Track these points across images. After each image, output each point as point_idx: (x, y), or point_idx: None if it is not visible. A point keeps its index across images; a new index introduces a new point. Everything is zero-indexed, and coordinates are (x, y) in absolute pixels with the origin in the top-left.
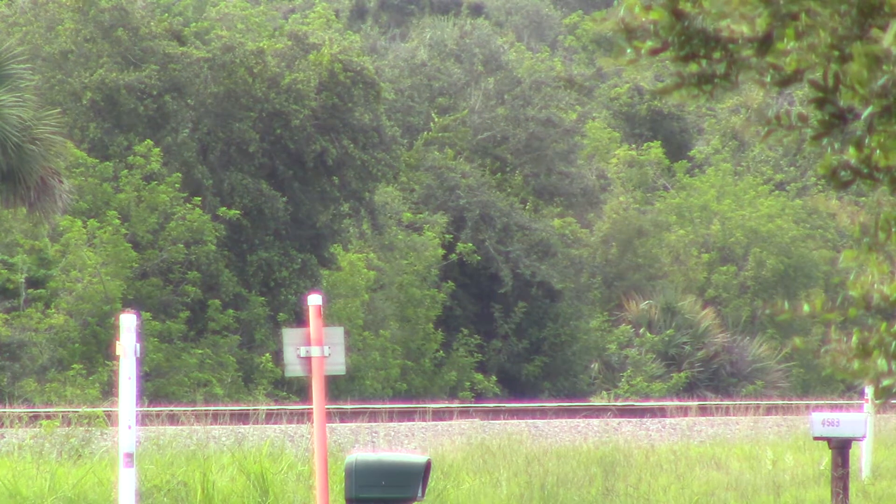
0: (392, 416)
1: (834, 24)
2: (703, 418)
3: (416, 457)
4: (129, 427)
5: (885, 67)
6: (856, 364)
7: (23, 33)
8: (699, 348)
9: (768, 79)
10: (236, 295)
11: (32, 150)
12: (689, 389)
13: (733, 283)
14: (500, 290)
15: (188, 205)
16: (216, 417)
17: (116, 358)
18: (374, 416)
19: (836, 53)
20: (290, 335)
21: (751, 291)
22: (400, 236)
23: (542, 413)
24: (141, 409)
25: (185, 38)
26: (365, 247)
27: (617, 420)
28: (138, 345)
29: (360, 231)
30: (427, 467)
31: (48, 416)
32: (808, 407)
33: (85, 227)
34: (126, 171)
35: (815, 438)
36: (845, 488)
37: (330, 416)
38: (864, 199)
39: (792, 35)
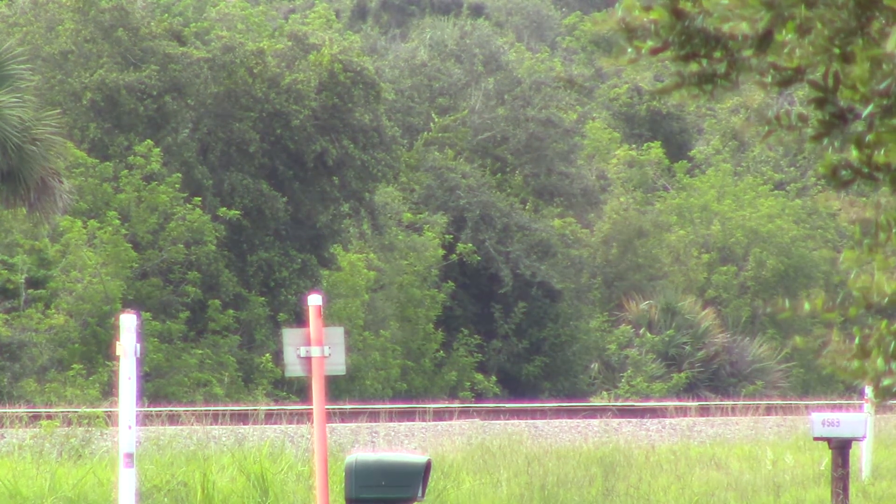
0: (392, 416)
1: (832, 16)
2: (703, 418)
3: (416, 457)
4: (129, 427)
5: (885, 68)
6: (855, 364)
7: (23, 33)
8: (699, 348)
9: (769, 79)
10: (236, 295)
11: (33, 151)
12: (690, 390)
13: (733, 283)
14: (500, 290)
15: (188, 205)
16: (216, 417)
17: (116, 358)
18: (374, 416)
19: (837, 50)
20: (290, 335)
21: (751, 292)
22: (400, 237)
23: (542, 413)
24: (141, 409)
25: (185, 39)
26: (365, 247)
27: (617, 420)
28: (138, 345)
29: (361, 231)
30: (427, 467)
31: (48, 417)
32: (807, 407)
33: (85, 228)
34: (126, 171)
35: (815, 439)
36: (845, 488)
37: (330, 416)
38: (864, 199)
39: (792, 28)
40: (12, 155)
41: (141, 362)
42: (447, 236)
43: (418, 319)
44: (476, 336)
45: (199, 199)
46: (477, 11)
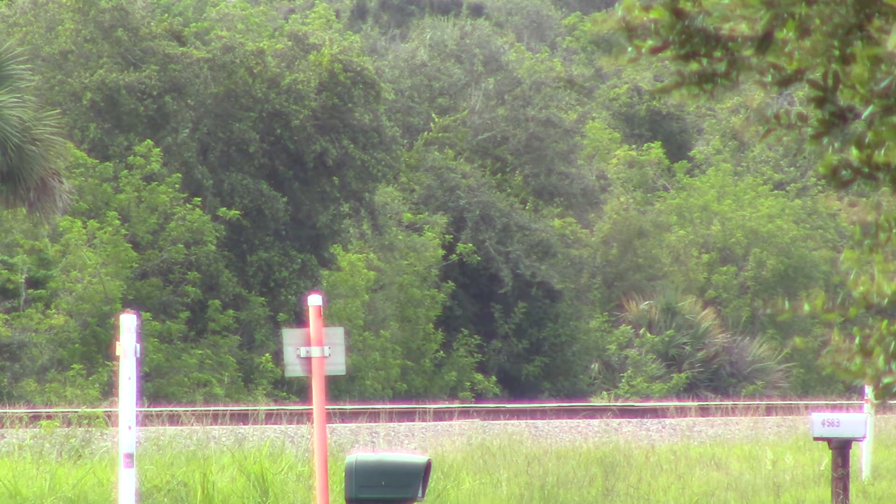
0: (392, 416)
1: (831, 12)
2: (703, 419)
3: (416, 457)
4: (129, 427)
5: (883, 67)
6: (856, 363)
7: (23, 33)
8: (699, 349)
9: (769, 78)
10: (236, 295)
11: (32, 151)
12: (690, 390)
13: (733, 283)
14: (500, 290)
15: (188, 205)
16: (216, 417)
17: (116, 358)
18: (374, 416)
19: (837, 51)
20: (290, 335)
21: (751, 292)
22: (400, 237)
23: (542, 413)
24: (141, 409)
25: (185, 39)
26: (365, 247)
27: (617, 420)
28: (138, 345)
29: (361, 231)
30: (427, 467)
31: (48, 417)
32: (807, 407)
33: (85, 228)
34: (126, 171)
35: (815, 439)
36: (845, 489)
37: (330, 416)
38: (864, 199)
39: (792, 27)
40: (12, 155)
41: (141, 362)
42: (447, 236)
43: (418, 319)
44: (476, 336)
45: (199, 199)
46: (477, 11)
